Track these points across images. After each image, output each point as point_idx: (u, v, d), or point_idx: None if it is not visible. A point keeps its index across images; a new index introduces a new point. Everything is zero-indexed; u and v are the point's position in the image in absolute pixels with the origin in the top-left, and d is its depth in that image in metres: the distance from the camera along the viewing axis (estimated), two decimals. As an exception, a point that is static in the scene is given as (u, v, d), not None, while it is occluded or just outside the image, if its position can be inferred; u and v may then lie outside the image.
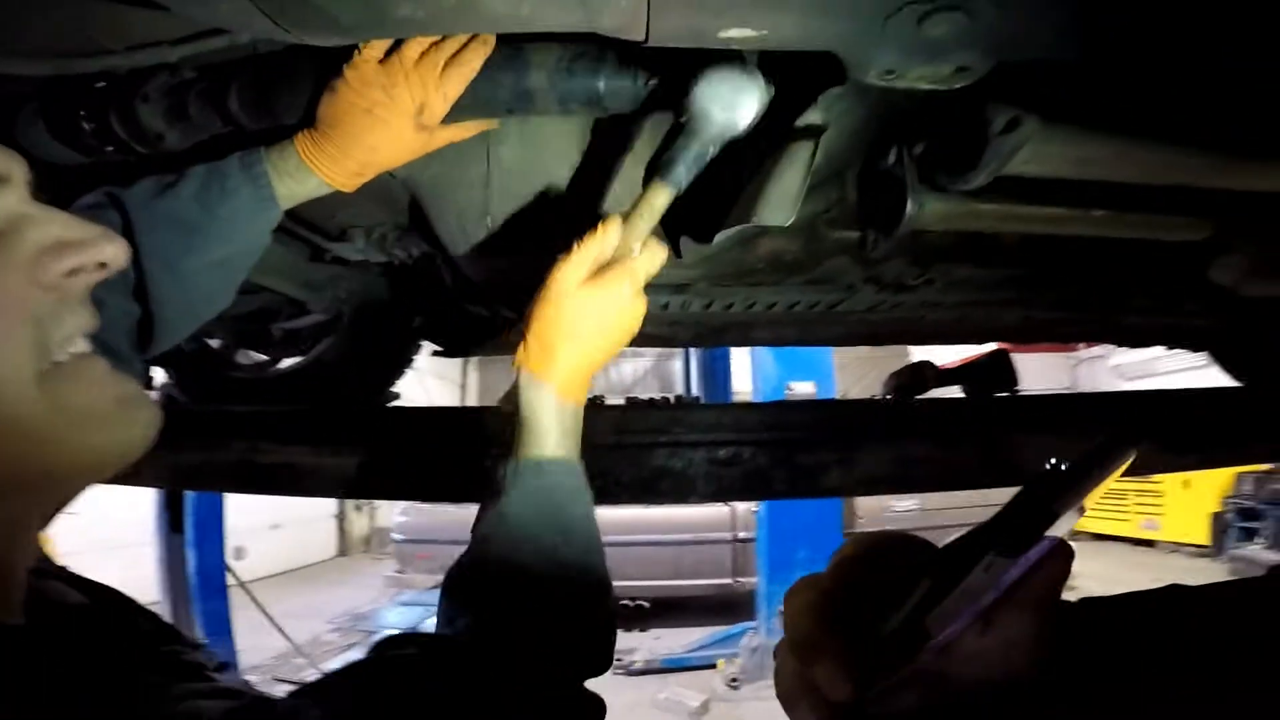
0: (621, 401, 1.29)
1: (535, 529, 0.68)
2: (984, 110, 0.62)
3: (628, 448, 1.06)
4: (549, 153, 0.86)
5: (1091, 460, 0.39)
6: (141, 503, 4.25)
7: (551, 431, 0.70)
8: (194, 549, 4.26)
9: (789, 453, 1.13)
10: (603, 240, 0.71)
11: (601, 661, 0.69)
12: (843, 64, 0.53)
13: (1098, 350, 9.67)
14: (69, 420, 0.45)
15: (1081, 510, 0.38)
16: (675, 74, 0.68)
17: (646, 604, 7.03)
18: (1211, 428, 1.29)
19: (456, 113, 0.74)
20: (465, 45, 0.70)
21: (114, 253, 0.47)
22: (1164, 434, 1.32)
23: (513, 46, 0.70)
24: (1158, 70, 0.63)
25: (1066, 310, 1.25)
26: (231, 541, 4.73)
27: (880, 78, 0.53)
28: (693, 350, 5.41)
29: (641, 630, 7.04)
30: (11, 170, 0.46)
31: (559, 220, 0.85)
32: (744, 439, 1.11)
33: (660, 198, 0.72)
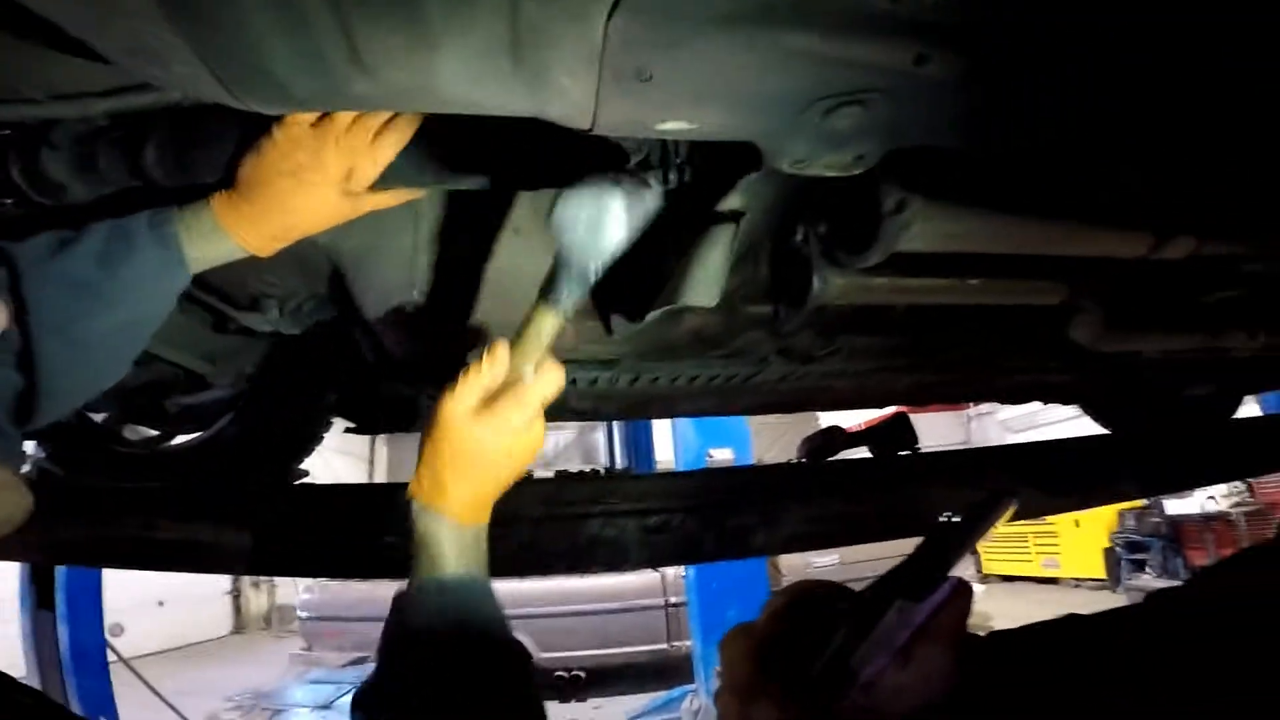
0: (548, 474, 1.29)
1: (442, 648, 0.66)
2: (877, 192, 0.70)
3: (560, 519, 1.06)
4: (477, 225, 0.87)
5: (977, 512, 0.46)
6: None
7: (449, 554, 0.69)
8: (67, 625, 3.83)
9: (716, 517, 1.17)
10: (489, 370, 0.69)
11: None
12: (760, 153, 0.59)
13: (986, 407, 10.49)
14: None
15: (972, 554, 0.45)
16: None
17: (582, 674, 6.80)
18: (1084, 472, 1.44)
19: (384, 180, 0.72)
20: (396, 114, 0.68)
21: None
22: (1044, 480, 1.46)
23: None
24: (1023, 153, 0.74)
25: (951, 373, 1.38)
26: (108, 618, 4.28)
27: (792, 165, 0.59)
28: (615, 422, 5.43)
29: (580, 701, 6.79)
30: None
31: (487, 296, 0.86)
32: (673, 506, 1.14)
33: (546, 323, 0.70)
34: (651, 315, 0.78)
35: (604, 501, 1.08)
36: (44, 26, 0.40)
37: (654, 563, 1.06)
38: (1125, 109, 0.57)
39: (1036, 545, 9.04)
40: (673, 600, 6.73)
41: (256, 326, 1.08)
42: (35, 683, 3.65)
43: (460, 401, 0.69)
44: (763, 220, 0.84)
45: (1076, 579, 8.56)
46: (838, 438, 1.41)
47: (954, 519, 0.46)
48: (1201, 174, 0.77)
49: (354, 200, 0.73)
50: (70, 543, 1.12)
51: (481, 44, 0.44)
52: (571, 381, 1.05)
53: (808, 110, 0.52)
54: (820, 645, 0.43)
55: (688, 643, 6.33)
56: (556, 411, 1.22)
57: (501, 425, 0.69)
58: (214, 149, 0.72)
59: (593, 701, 6.73)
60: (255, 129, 0.68)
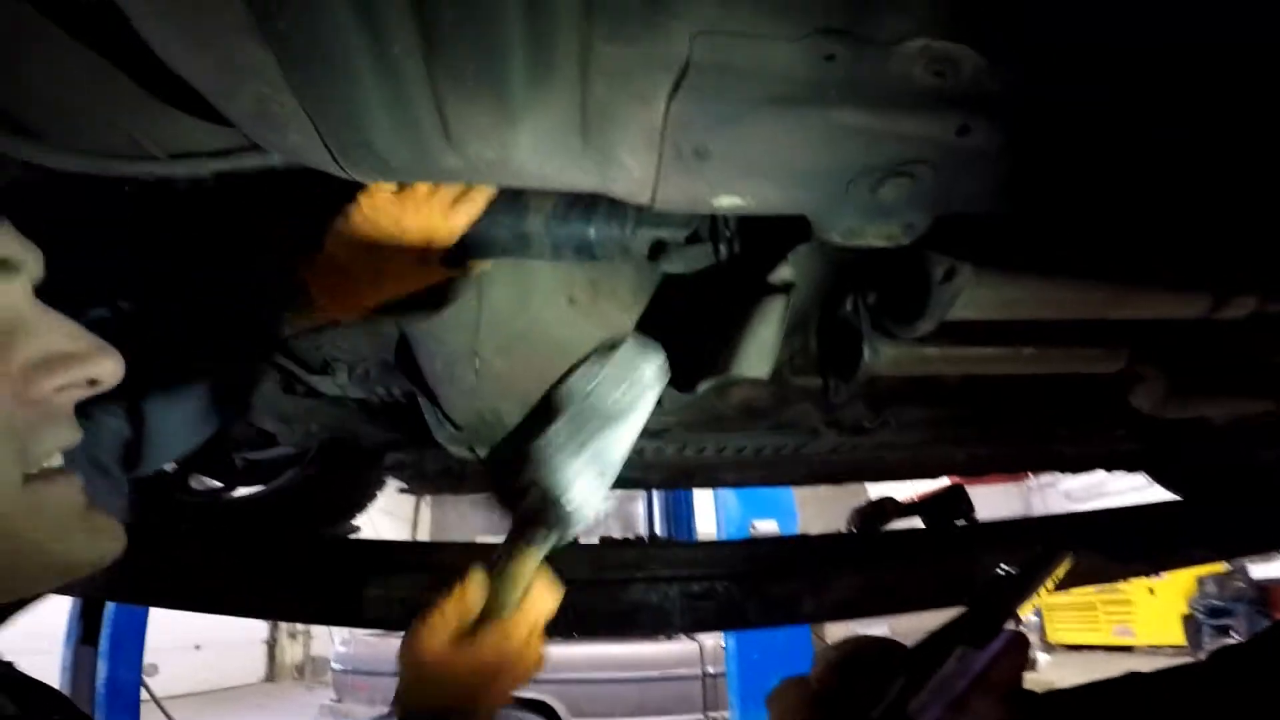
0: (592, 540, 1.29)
1: None
2: (925, 261, 0.71)
3: (605, 584, 1.06)
4: (539, 298, 0.89)
5: (1035, 565, 0.47)
6: (48, 610, 3.85)
7: None
8: (107, 662, 3.91)
9: (761, 584, 1.14)
10: (461, 602, 0.67)
11: None
12: (810, 225, 0.61)
13: (1047, 478, 10.09)
14: (37, 528, 0.43)
15: (1035, 617, 0.45)
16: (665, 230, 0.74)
17: None
18: (1152, 536, 1.37)
19: (456, 250, 0.75)
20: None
21: (108, 370, 0.46)
22: (1107, 545, 1.39)
23: (513, 190, 0.73)
24: (1072, 218, 0.74)
25: (1007, 444, 1.34)
26: (145, 658, 4.37)
27: (842, 237, 0.61)
28: (655, 491, 5.38)
29: None
30: (25, 260, 0.44)
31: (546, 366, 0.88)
32: (717, 573, 1.13)
33: (528, 563, 0.70)
34: (703, 387, 0.79)
35: (647, 567, 1.08)
36: (171, 85, 0.44)
37: (697, 628, 1.06)
38: (1170, 171, 0.58)
39: (1106, 613, 8.62)
40: (710, 670, 6.51)
41: (325, 390, 1.13)
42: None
43: (427, 636, 0.66)
44: (812, 291, 0.86)
45: (1153, 646, 8.11)
46: (889, 509, 1.38)
47: (1010, 572, 0.47)
48: (1261, 230, 0.76)
49: (429, 270, 0.76)
50: (124, 580, 1.15)
51: (556, 122, 0.48)
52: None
53: (857, 183, 0.54)
54: (876, 696, 0.43)
55: (724, 714, 6.07)
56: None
57: (484, 665, 0.66)
58: (303, 211, 0.77)
59: None
60: (342, 195, 0.72)
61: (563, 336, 0.87)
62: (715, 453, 1.10)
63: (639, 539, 1.41)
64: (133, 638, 4.08)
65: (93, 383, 0.46)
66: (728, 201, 0.56)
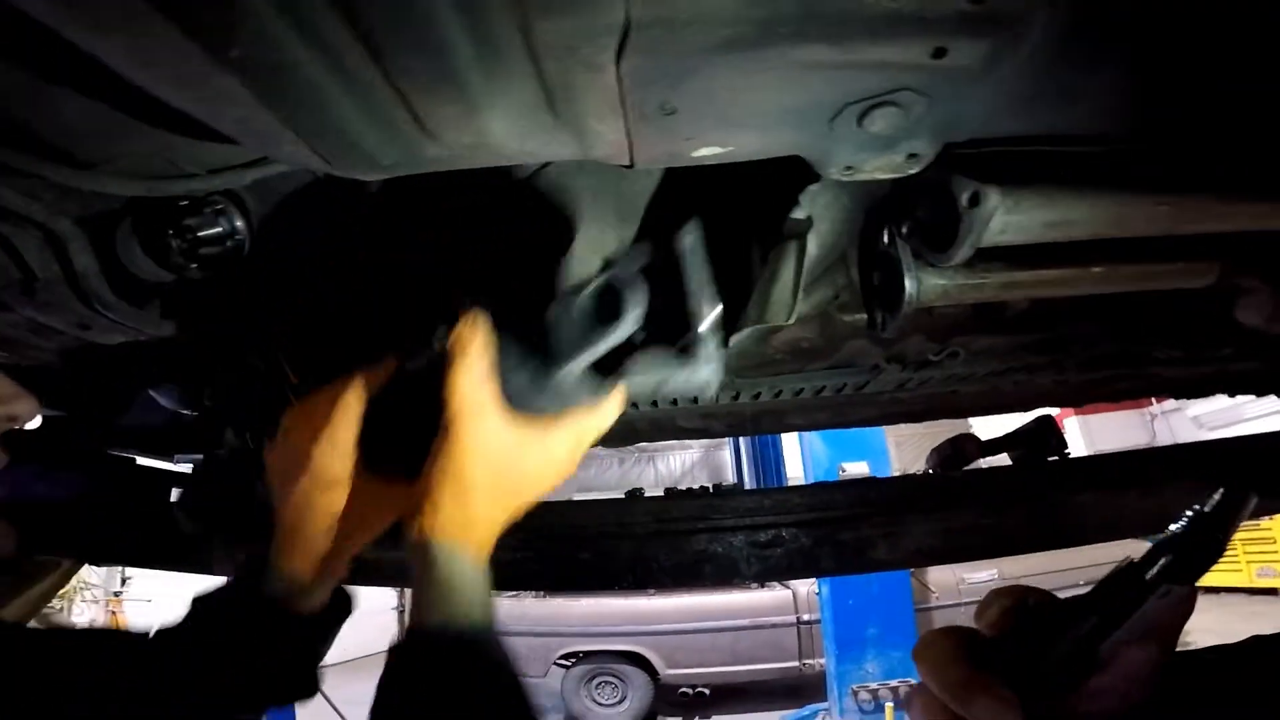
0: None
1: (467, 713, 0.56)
2: (950, 187, 0.67)
3: (667, 535, 1.09)
4: None
5: (1231, 499, 0.43)
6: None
7: (474, 600, 0.60)
8: None
9: (831, 531, 1.14)
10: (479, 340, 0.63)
11: None
12: (809, 165, 0.60)
13: (1171, 404, 9.20)
14: None
15: None
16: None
17: (706, 691, 6.77)
18: None
19: None
20: None
21: (22, 410, 0.62)
22: (1253, 480, 1.27)
23: None
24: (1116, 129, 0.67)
25: (1098, 370, 1.24)
26: None
27: (843, 173, 0.59)
28: (742, 440, 5.40)
29: (701, 718, 6.77)
30: None
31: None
32: (784, 521, 1.13)
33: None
34: (736, 339, 0.78)
35: (712, 517, 1.10)
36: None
37: (766, 577, 1.06)
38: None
39: (1247, 553, 7.95)
40: (805, 618, 6.54)
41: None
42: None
43: (477, 391, 0.61)
44: (841, 228, 0.83)
45: (1304, 588, 7.35)
46: (969, 448, 1.32)
47: (1205, 509, 0.43)
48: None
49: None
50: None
51: (521, 102, 0.50)
52: (672, 401, 1.08)
53: (840, 118, 0.52)
54: (1047, 644, 0.43)
55: (820, 661, 6.10)
56: (665, 430, 1.26)
57: (549, 453, 0.63)
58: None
59: (714, 718, 6.64)
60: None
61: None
62: (773, 397, 1.09)
63: (703, 489, 1.43)
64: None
65: (11, 419, 0.62)
66: (708, 152, 0.55)
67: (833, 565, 1.12)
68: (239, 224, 0.79)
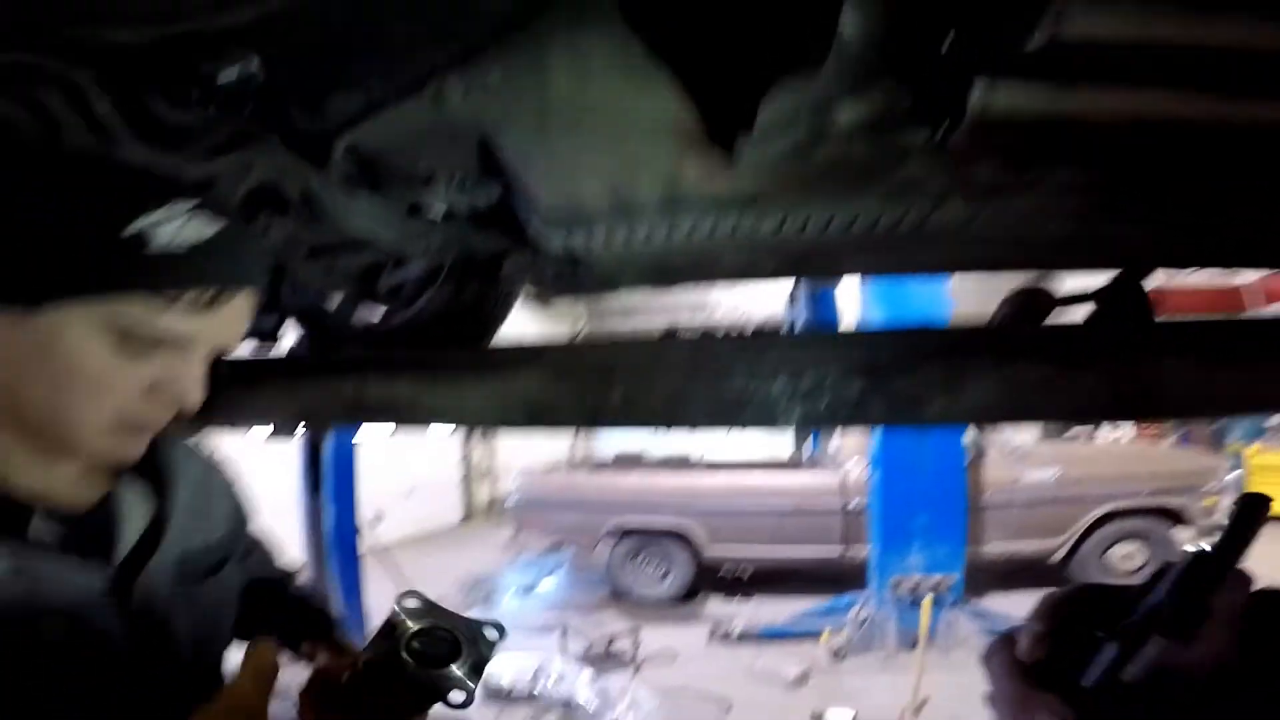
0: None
1: None
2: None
3: (706, 373, 1.04)
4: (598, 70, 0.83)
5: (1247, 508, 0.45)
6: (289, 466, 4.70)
7: None
8: (331, 510, 4.71)
9: (883, 379, 1.06)
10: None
11: None
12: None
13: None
14: None
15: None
16: None
17: (744, 576, 7.06)
18: None
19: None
20: None
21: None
22: None
23: None
24: None
25: (1218, 217, 1.08)
26: (372, 506, 5.24)
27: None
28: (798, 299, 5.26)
29: (744, 598, 7.08)
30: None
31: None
32: (829, 367, 1.06)
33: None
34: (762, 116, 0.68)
35: (752, 360, 1.04)
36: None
37: (807, 424, 1.00)
38: None
39: None
40: (851, 505, 6.58)
41: (434, 202, 1.17)
42: (310, 565, 4.54)
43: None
44: (891, 31, 0.71)
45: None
46: (1043, 301, 1.20)
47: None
48: None
49: None
50: (309, 409, 1.32)
51: None
52: (711, 232, 1.00)
53: None
54: (1094, 647, 0.44)
55: (863, 550, 6.18)
56: (706, 269, 1.18)
57: None
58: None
59: (755, 600, 6.91)
60: None
61: (627, 106, 0.81)
62: (821, 227, 1.00)
63: (743, 330, 1.37)
64: (345, 486, 4.80)
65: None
66: None
67: (882, 415, 1.04)
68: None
